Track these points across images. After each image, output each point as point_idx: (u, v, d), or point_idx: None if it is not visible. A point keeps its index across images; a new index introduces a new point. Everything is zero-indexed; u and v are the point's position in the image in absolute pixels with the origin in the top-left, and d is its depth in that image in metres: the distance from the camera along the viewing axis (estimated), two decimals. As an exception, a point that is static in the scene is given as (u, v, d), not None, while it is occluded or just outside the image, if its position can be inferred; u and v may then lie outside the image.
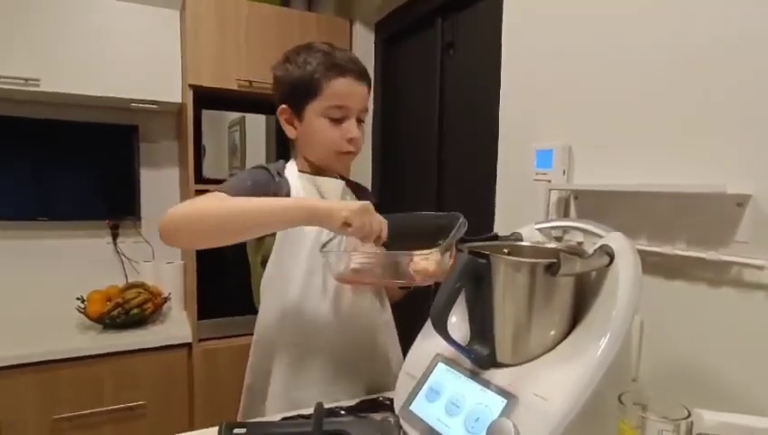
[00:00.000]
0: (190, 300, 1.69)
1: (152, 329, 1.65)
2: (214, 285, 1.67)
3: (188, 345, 1.60)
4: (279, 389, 0.82)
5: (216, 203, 0.69)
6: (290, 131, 0.87)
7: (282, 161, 0.90)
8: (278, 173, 0.85)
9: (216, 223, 0.67)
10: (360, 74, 0.84)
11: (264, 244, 0.85)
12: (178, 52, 1.70)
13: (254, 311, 1.67)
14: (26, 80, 1.54)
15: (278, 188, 0.82)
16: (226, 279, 1.70)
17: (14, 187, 1.73)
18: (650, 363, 0.75)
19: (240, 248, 1.68)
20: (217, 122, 1.79)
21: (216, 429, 0.61)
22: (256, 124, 1.82)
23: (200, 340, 1.62)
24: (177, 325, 1.70)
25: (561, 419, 0.55)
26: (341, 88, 0.82)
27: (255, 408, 0.85)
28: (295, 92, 0.83)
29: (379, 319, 0.91)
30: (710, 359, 0.70)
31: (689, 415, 0.51)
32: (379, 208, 0.73)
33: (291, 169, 0.88)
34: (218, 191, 0.74)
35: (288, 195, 0.82)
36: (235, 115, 1.80)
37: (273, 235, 0.82)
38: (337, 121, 0.82)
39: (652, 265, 0.77)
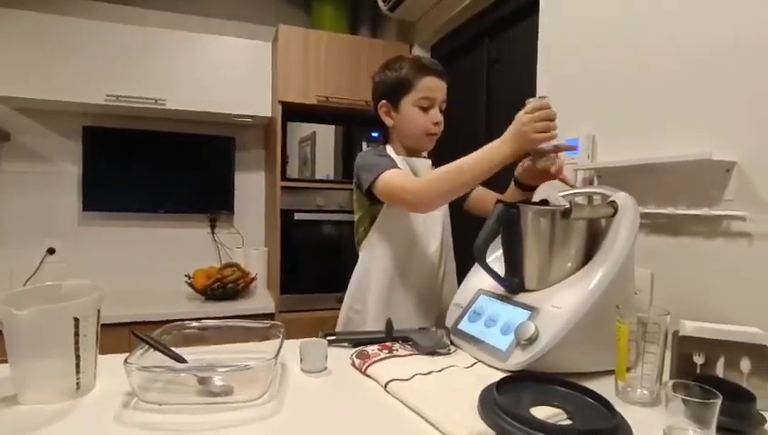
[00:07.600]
0: (273, 279, 2.01)
1: (243, 302, 1.99)
2: (292, 269, 1.98)
3: (272, 315, 1.92)
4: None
5: (446, 172, 0.88)
6: (388, 121, 1.08)
7: (382, 146, 1.11)
8: (388, 155, 1.07)
9: (460, 182, 0.88)
10: (442, 73, 1.06)
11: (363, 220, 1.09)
12: (269, 75, 2.08)
13: (324, 290, 2.01)
14: (156, 100, 1.97)
15: (395, 165, 1.05)
16: (302, 264, 2.00)
17: (139, 186, 2.17)
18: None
19: (315, 239, 1.98)
20: (292, 136, 2.10)
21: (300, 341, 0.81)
22: (327, 135, 2.13)
23: (281, 311, 1.93)
24: (262, 299, 2.03)
25: (569, 320, 0.74)
26: (428, 83, 1.03)
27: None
28: (393, 90, 1.05)
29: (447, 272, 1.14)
30: (709, 300, 0.86)
31: (668, 314, 0.69)
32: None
33: (390, 152, 1.10)
34: (386, 173, 0.95)
35: None
36: (306, 132, 2.11)
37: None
38: (425, 110, 1.04)
39: (660, 225, 0.94)
